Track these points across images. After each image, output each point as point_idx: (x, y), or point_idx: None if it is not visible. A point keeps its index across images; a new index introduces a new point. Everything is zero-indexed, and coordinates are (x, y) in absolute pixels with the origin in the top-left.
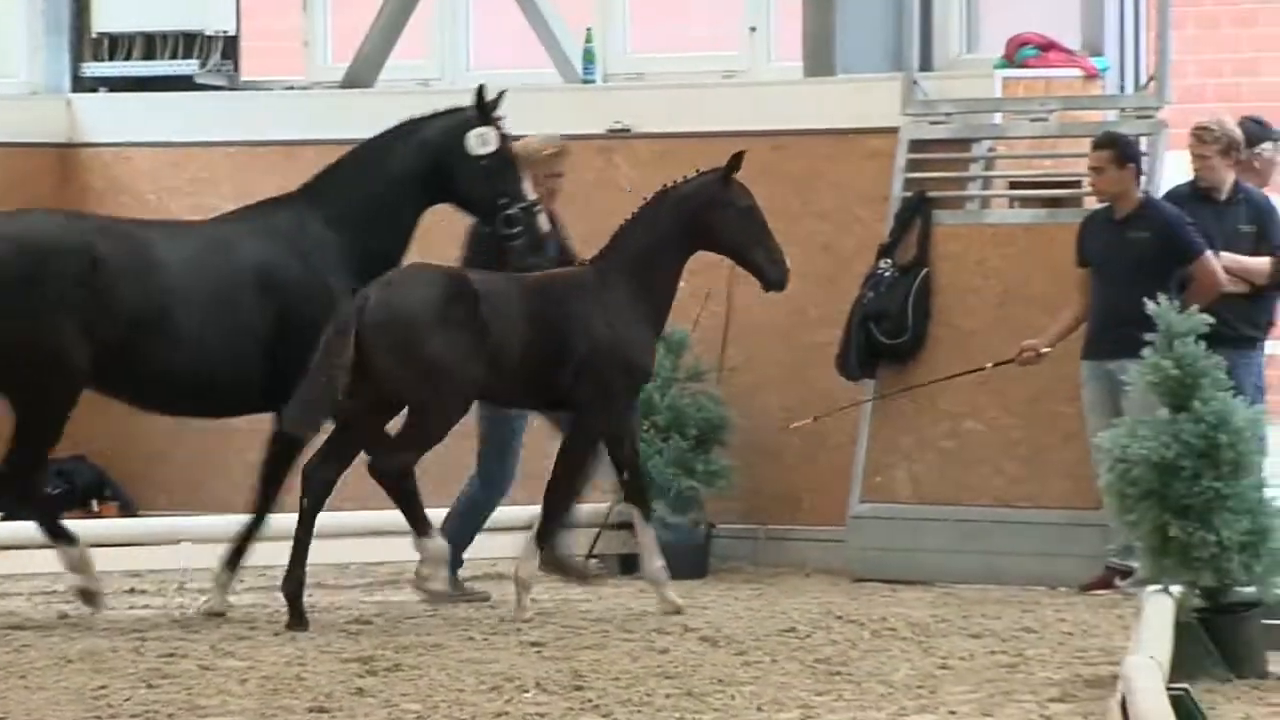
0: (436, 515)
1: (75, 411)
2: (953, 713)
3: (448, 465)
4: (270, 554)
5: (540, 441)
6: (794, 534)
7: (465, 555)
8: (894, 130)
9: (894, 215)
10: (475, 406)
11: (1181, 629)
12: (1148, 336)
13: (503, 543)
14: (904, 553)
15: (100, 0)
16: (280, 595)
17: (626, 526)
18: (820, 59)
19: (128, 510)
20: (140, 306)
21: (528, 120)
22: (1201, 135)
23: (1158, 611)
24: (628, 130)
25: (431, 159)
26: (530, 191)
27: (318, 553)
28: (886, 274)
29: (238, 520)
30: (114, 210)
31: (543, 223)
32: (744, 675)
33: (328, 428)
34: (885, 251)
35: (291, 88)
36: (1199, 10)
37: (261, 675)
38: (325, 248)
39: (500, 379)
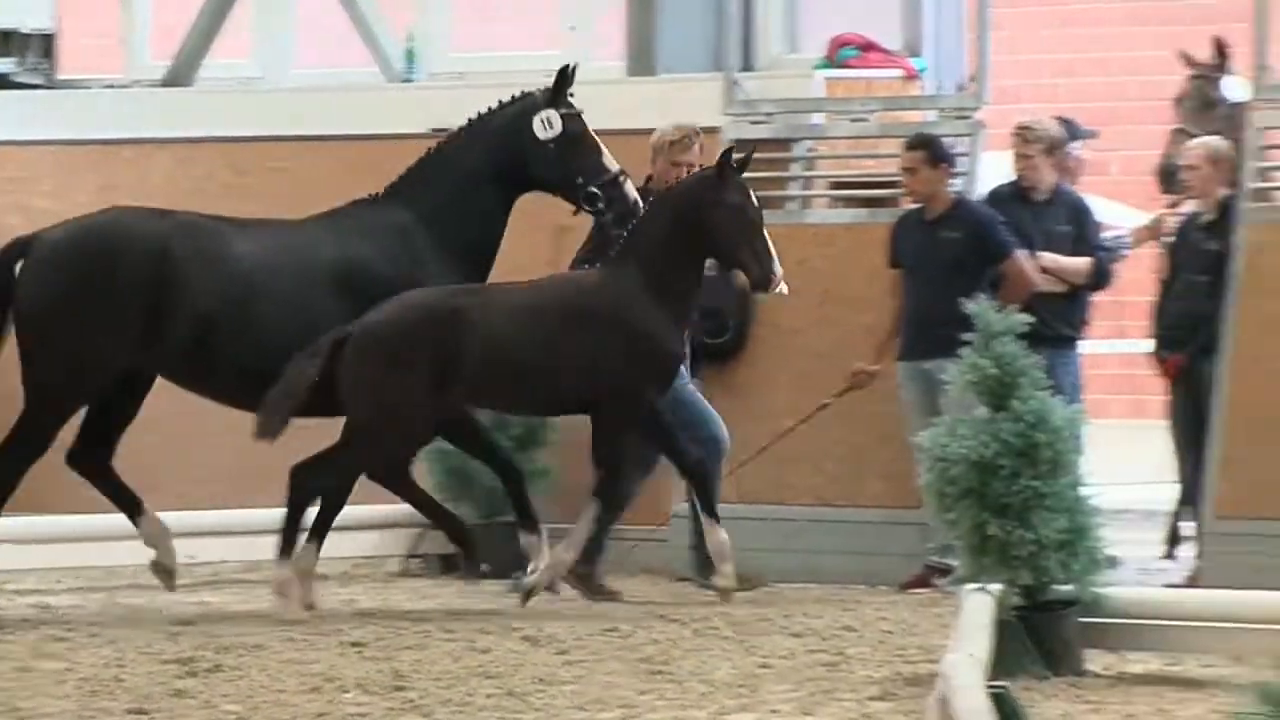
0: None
1: None
2: (774, 711)
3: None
4: (89, 555)
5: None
6: (617, 533)
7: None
8: (715, 130)
9: None
10: None
11: (1000, 627)
12: (965, 336)
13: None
14: None
15: None
16: (96, 596)
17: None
18: (642, 59)
19: None
20: (213, 303)
21: (346, 120)
22: (1024, 135)
23: (977, 610)
24: (448, 130)
25: (504, 149)
26: (611, 164)
27: (138, 553)
28: (709, 273)
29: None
30: None
31: (630, 192)
32: (566, 674)
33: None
34: None
35: (111, 86)
36: (1017, 12)
37: (79, 677)
38: (411, 246)
39: (504, 390)
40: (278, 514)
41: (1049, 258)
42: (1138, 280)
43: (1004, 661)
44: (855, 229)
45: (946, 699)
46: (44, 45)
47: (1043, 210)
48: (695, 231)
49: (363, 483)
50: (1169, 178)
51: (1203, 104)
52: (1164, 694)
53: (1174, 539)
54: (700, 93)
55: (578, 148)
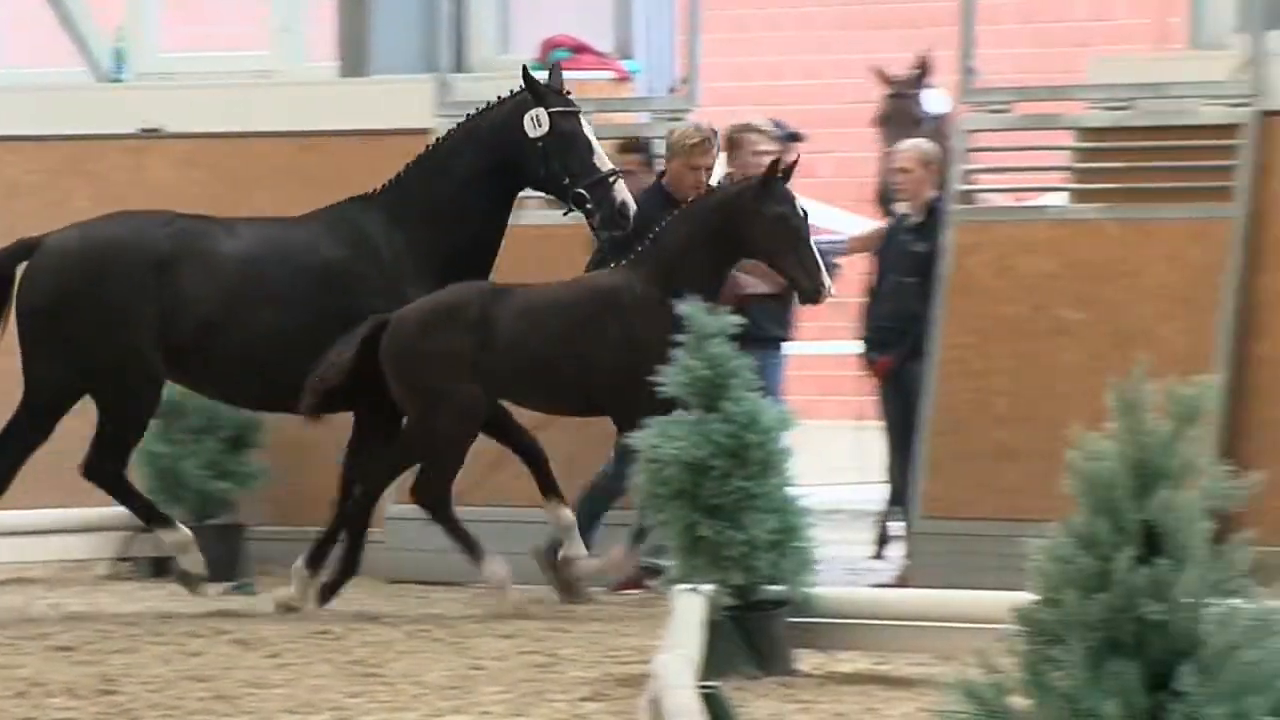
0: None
1: None
2: (486, 713)
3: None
4: None
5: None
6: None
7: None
8: (427, 131)
9: None
10: None
11: (712, 627)
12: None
13: (67, 545)
14: (438, 554)
15: None
16: None
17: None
18: (354, 60)
19: None
20: (208, 304)
21: (53, 120)
22: (742, 137)
23: (688, 610)
24: (159, 130)
25: (496, 146)
26: (602, 164)
27: None
28: None
29: None
30: None
31: (618, 193)
32: (277, 678)
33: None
34: None
35: None
36: (728, 15)
37: None
38: (396, 246)
39: (526, 388)
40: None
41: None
42: (847, 281)
43: (715, 661)
44: (573, 228)
45: (658, 699)
46: None
47: None
48: (732, 238)
49: (70, 485)
50: (888, 199)
51: (905, 122)
52: (872, 693)
53: (883, 539)
54: (413, 94)
55: (566, 146)
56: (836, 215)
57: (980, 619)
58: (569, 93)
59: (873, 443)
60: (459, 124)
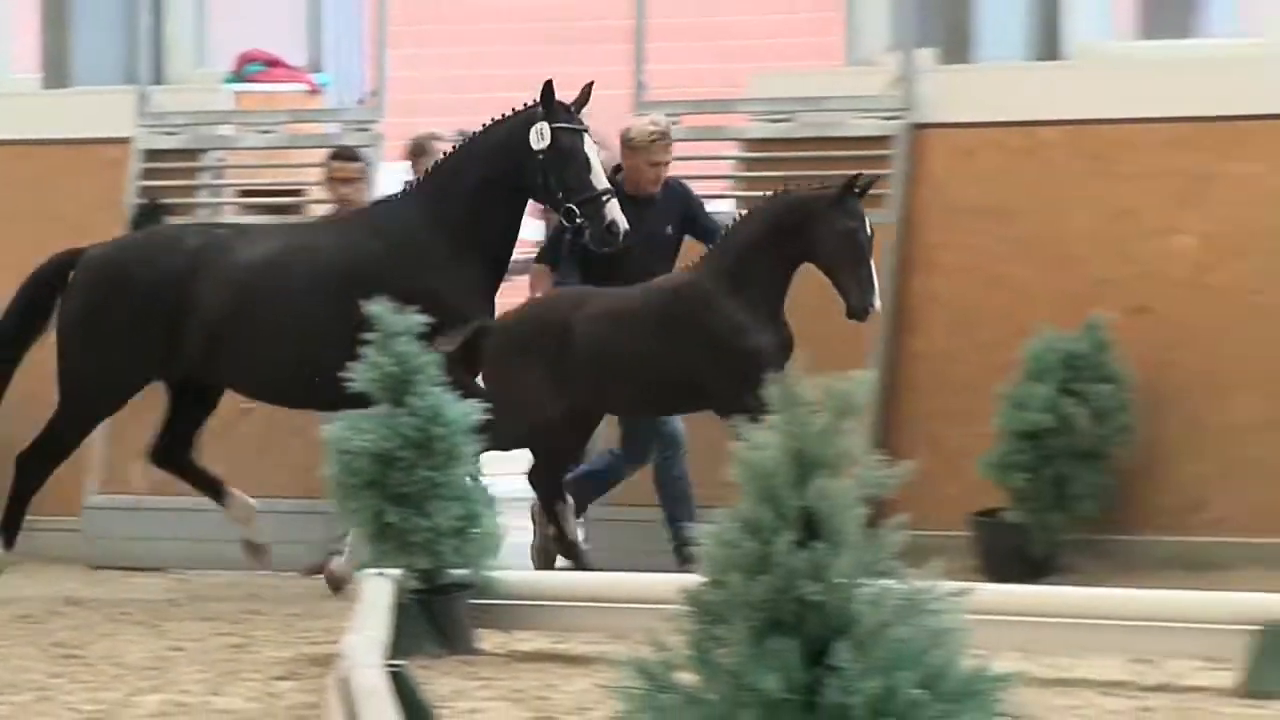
0: None
1: None
2: (184, 691)
3: None
4: None
5: None
6: (33, 524)
7: None
8: (127, 140)
9: (130, 221)
10: None
11: (399, 609)
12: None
13: None
14: (139, 541)
15: None
16: None
17: None
18: (57, 71)
19: None
20: (228, 306)
21: None
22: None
23: (376, 593)
24: None
25: (504, 157)
26: (597, 183)
27: None
28: None
29: None
30: None
31: (609, 212)
32: None
33: None
34: None
35: None
36: (413, 30)
37: None
38: (421, 248)
39: (608, 392)
40: None
41: None
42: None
43: (402, 642)
44: None
45: (346, 677)
46: None
47: None
48: (799, 243)
49: None
50: None
51: None
52: (550, 670)
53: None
54: (113, 104)
55: (564, 162)
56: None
57: (651, 600)
58: (578, 112)
59: None
60: (477, 131)
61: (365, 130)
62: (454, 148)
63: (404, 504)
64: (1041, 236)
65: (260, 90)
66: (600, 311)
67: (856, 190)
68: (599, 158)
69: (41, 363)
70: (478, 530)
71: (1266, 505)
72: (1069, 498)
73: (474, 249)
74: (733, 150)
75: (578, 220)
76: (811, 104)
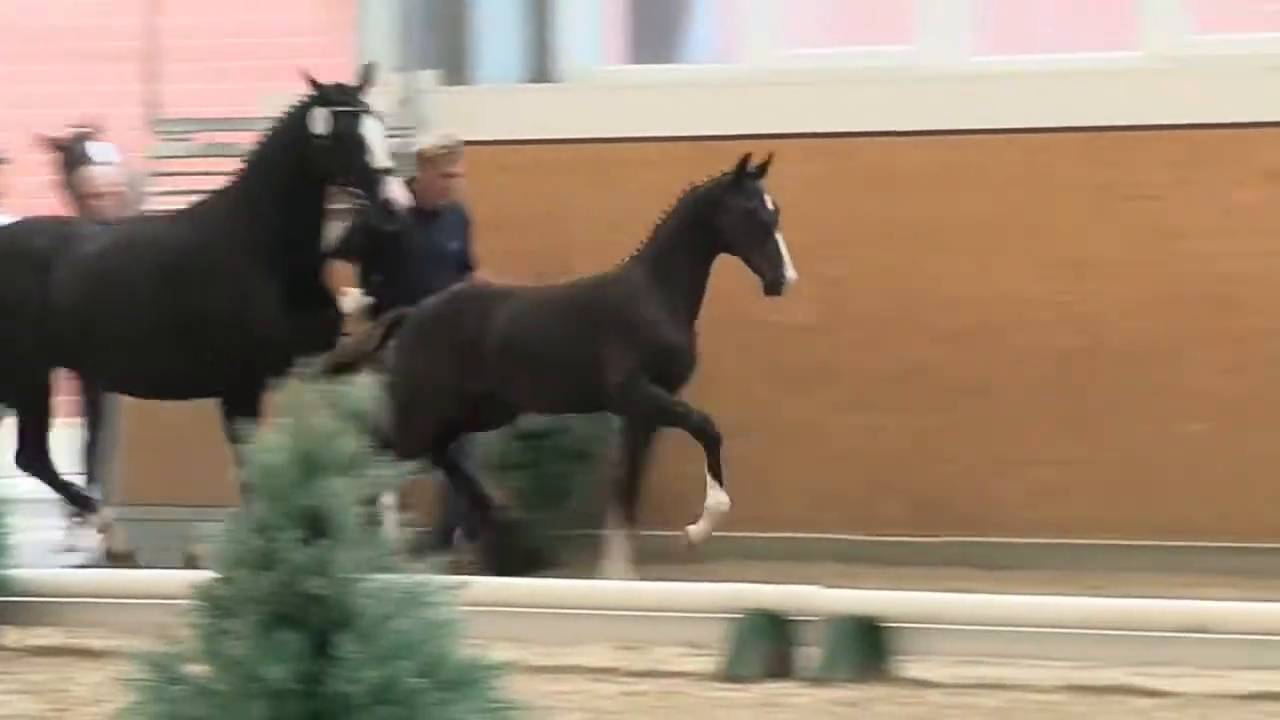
0: None
1: None
2: None
3: None
4: None
5: None
6: None
7: None
8: None
9: None
10: None
11: None
12: None
13: None
14: None
15: None
16: None
17: None
18: None
19: None
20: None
21: None
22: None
23: None
24: None
25: (290, 146)
26: (377, 162)
27: None
28: None
29: None
30: None
31: (386, 189)
32: None
33: None
34: None
35: None
36: None
37: None
38: (230, 239)
39: (522, 384)
40: None
41: None
42: None
43: None
44: None
45: None
46: None
47: None
48: (708, 233)
49: None
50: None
51: (79, 168)
52: (68, 664)
53: (82, 524)
54: None
55: (346, 147)
56: None
57: (164, 595)
58: (362, 92)
59: (70, 438)
60: (274, 121)
61: None
62: (258, 140)
63: None
64: (543, 250)
65: None
66: (523, 305)
67: (751, 170)
68: (382, 137)
69: None
70: None
71: (744, 500)
72: (563, 495)
73: (279, 241)
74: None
75: (360, 201)
76: None
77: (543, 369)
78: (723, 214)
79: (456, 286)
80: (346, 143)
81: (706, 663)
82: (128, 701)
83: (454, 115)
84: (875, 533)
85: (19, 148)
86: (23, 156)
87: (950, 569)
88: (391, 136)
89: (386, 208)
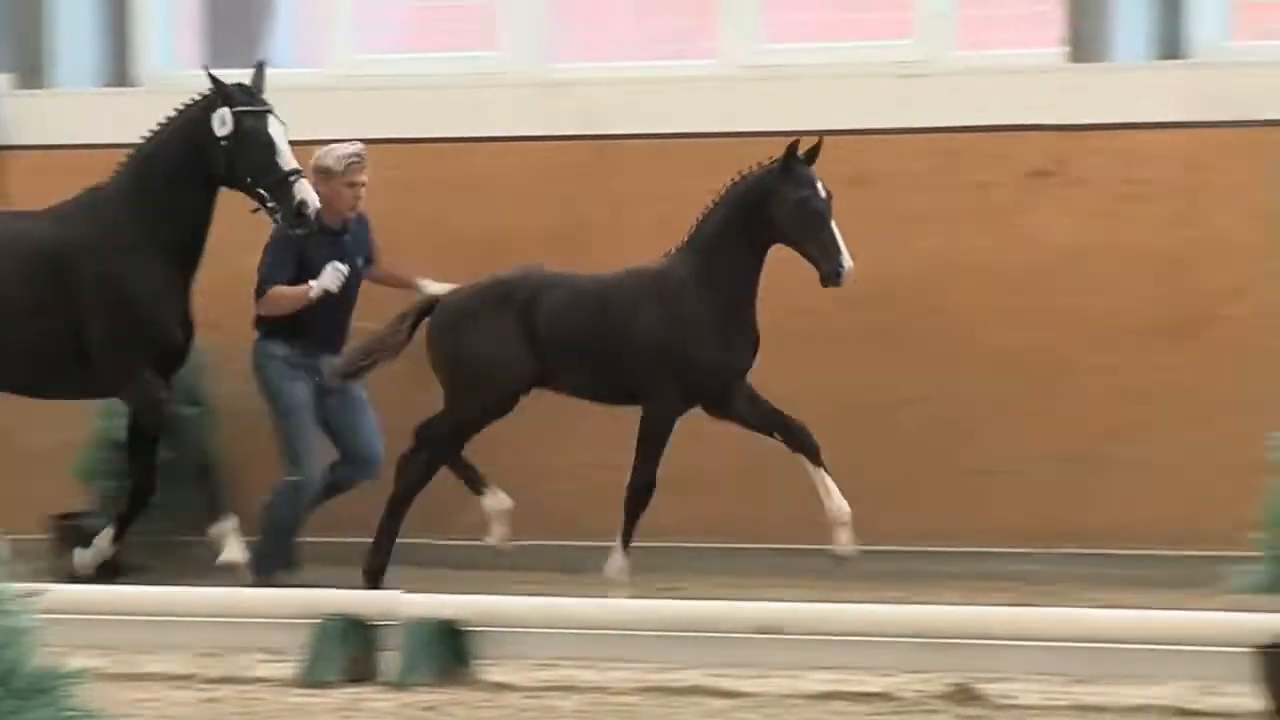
0: None
1: None
2: None
3: None
4: None
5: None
6: None
7: None
8: None
9: None
10: None
11: None
12: None
13: None
14: None
15: None
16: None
17: None
18: None
19: None
20: None
21: None
22: None
23: None
24: None
25: (190, 145)
26: (284, 163)
27: None
28: None
29: None
30: None
31: (299, 191)
32: None
33: None
34: None
35: None
36: None
37: None
38: (118, 233)
39: (559, 372)
40: None
41: None
42: None
43: None
44: None
45: None
46: None
47: None
48: (759, 223)
49: None
50: None
51: None
52: None
53: None
54: None
55: (250, 146)
56: None
57: None
58: (262, 92)
59: None
60: (164, 120)
61: None
62: (145, 137)
63: None
64: None
65: None
66: (573, 293)
67: (801, 157)
68: (285, 137)
69: None
70: None
71: (326, 506)
72: (152, 504)
73: (168, 237)
74: None
75: (269, 204)
76: None
77: (589, 359)
78: (773, 204)
79: (502, 273)
80: (253, 144)
81: (286, 669)
82: None
83: (29, 119)
84: (452, 536)
85: None
86: None
87: (531, 573)
88: None
89: (300, 210)
